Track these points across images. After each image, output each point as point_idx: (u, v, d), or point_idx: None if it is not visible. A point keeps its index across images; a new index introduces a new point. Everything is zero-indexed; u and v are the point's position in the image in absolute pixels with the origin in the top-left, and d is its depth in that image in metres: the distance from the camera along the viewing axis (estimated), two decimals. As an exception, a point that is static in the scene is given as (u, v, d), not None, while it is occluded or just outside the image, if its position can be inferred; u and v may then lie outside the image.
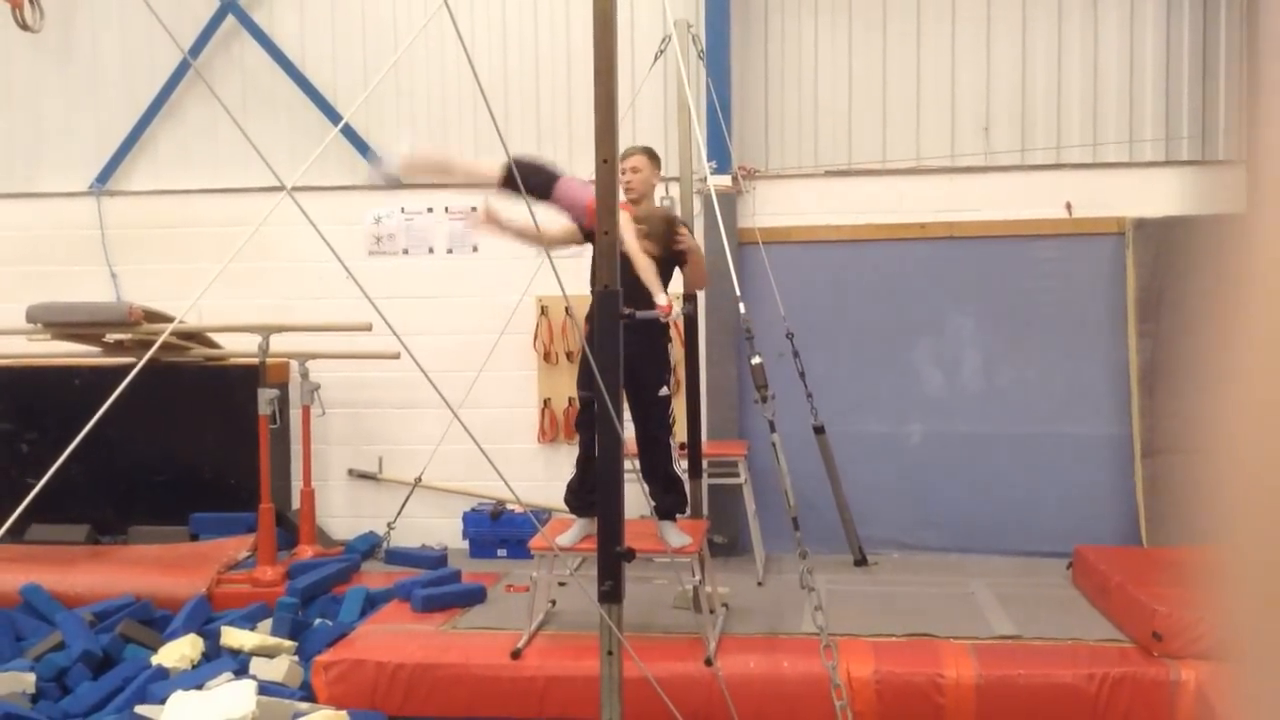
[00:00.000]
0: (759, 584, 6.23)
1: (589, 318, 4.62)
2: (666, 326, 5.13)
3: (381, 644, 5.21)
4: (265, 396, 6.41)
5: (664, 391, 5.28)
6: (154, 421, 6.87)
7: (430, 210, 7.61)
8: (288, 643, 5.41)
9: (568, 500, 5.39)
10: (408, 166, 5.14)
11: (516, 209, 4.99)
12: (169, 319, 6.44)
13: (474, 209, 5.04)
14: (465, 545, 7.11)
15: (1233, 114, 6.89)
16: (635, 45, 7.06)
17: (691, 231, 5.25)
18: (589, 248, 4.78)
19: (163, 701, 4.61)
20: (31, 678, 5.07)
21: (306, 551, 6.71)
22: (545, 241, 4.86)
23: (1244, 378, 0.52)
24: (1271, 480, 0.50)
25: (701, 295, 6.31)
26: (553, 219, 5.03)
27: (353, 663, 5.04)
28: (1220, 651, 0.53)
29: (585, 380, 5.02)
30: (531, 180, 4.95)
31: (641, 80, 6.77)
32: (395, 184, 5.07)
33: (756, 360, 4.58)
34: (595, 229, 4.66)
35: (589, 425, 5.03)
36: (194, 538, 6.97)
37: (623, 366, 3.52)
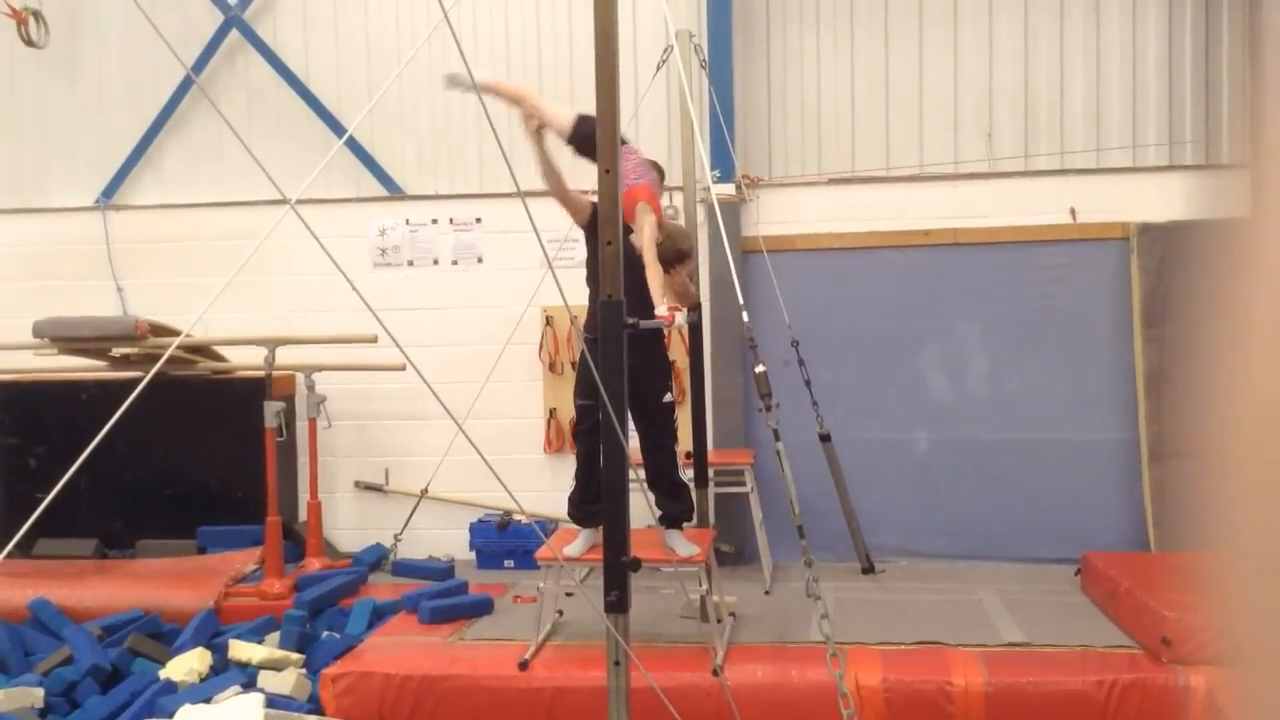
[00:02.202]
0: (766, 593, 6.23)
1: (588, 325, 4.65)
2: (663, 334, 5.14)
3: (389, 656, 5.21)
4: (271, 409, 6.42)
5: (667, 398, 5.28)
6: (161, 435, 6.89)
7: (435, 222, 7.62)
8: (295, 655, 5.41)
9: (571, 514, 5.39)
10: (485, 86, 5.23)
11: (558, 151, 5.12)
12: (175, 333, 6.45)
13: (530, 124, 5.11)
14: (472, 556, 7.12)
15: (1236, 117, 6.88)
16: (638, 55, 7.08)
17: (694, 242, 5.30)
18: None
19: (171, 715, 4.60)
20: (40, 692, 5.08)
21: (314, 564, 6.71)
22: (557, 193, 5.07)
23: (1249, 382, 0.52)
24: (1276, 485, 0.50)
25: (706, 304, 6.32)
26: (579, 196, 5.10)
27: (361, 675, 5.04)
28: (1227, 656, 0.53)
29: (585, 389, 5.03)
30: (594, 139, 5.03)
31: (644, 90, 6.79)
32: (468, 89, 5.23)
33: (760, 369, 4.58)
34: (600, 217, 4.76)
35: (589, 434, 5.03)
36: (201, 551, 6.98)
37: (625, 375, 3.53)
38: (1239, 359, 0.52)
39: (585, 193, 5.04)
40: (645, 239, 4.90)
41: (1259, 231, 0.52)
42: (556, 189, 5.13)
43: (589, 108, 4.16)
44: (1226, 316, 0.53)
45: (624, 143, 5.28)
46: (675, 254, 5.14)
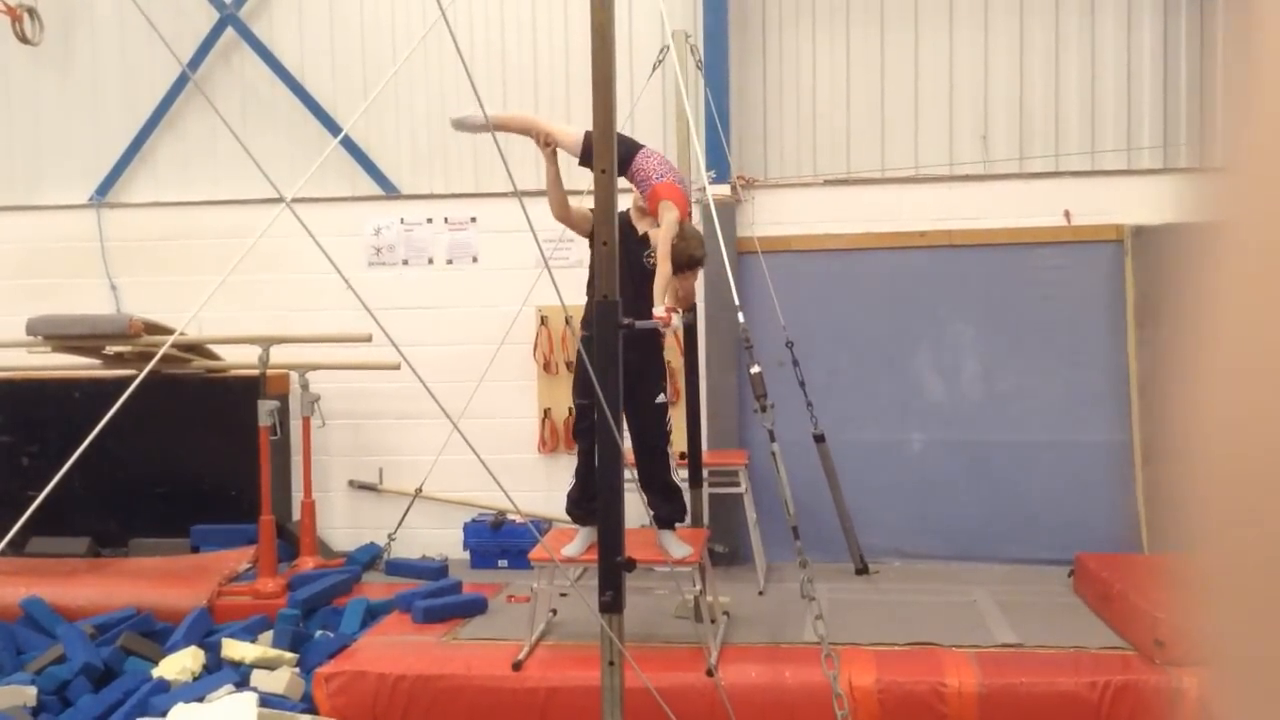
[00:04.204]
0: (760, 593, 6.23)
1: (585, 324, 4.65)
2: (661, 334, 5.15)
3: (383, 655, 5.20)
4: (265, 408, 6.41)
5: (660, 399, 5.28)
6: (154, 434, 6.87)
7: (429, 221, 7.62)
8: (289, 655, 5.40)
9: (570, 511, 5.39)
10: (496, 122, 5.24)
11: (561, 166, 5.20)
12: (169, 331, 6.44)
13: (545, 144, 5.20)
14: (466, 556, 7.11)
15: (1227, 119, 6.89)
16: (634, 56, 7.08)
17: (702, 243, 5.28)
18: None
19: (164, 714, 4.60)
20: (33, 691, 5.07)
21: (307, 563, 6.70)
22: (560, 214, 5.16)
23: (1217, 383, 0.52)
24: (1246, 488, 0.50)
25: (701, 305, 6.32)
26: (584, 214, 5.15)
27: (354, 674, 5.03)
28: (1207, 658, 0.53)
29: (583, 388, 5.03)
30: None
31: (640, 91, 6.79)
32: (478, 129, 5.27)
33: (755, 369, 4.58)
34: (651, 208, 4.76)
35: (587, 433, 5.03)
36: (195, 550, 6.97)
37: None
38: (1208, 360, 0.52)
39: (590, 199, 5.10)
40: (663, 235, 4.92)
41: (1234, 232, 0.52)
42: (560, 211, 5.19)
43: (582, 113, 4.17)
44: (1198, 317, 0.53)
45: (642, 147, 5.30)
46: (687, 259, 5.11)
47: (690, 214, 5.26)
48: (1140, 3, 7.11)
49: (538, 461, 7.46)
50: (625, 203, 5.04)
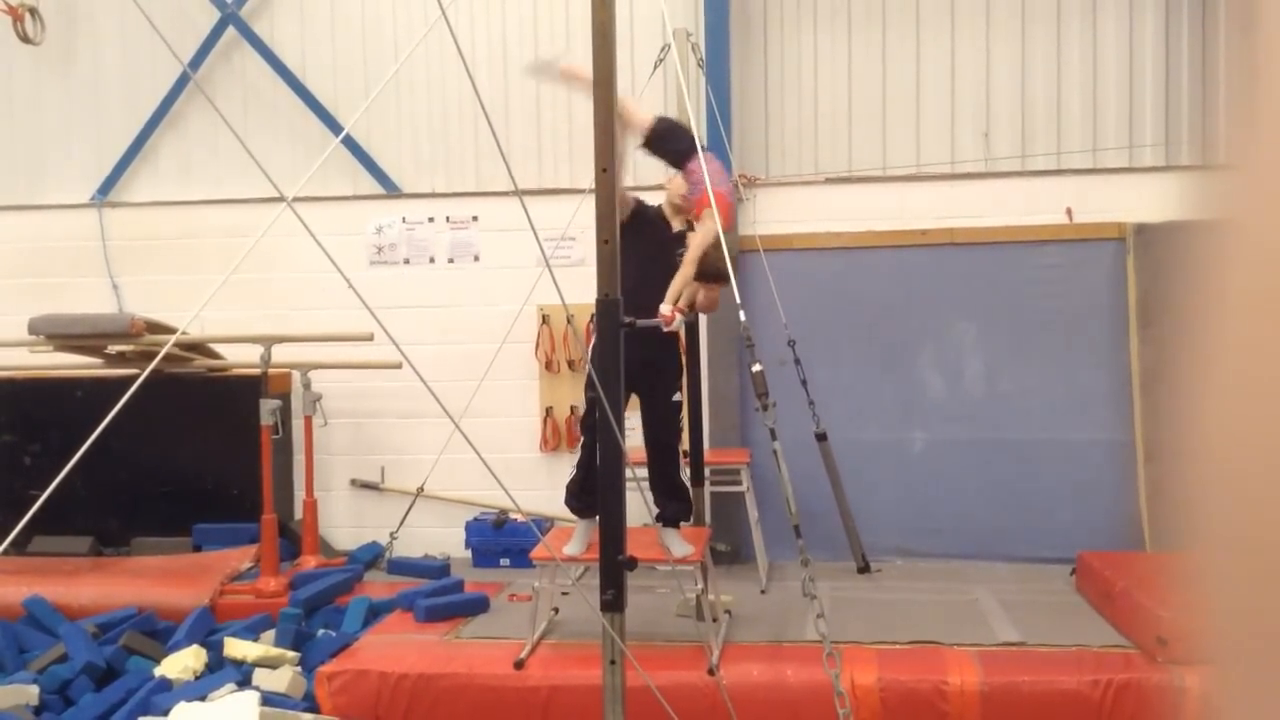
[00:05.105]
0: (762, 592, 6.23)
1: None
2: (679, 333, 5.15)
3: (385, 654, 5.21)
4: (267, 407, 6.41)
5: (676, 398, 5.29)
6: (156, 433, 6.88)
7: (431, 220, 7.62)
8: (291, 653, 5.40)
9: (568, 502, 5.38)
10: (568, 72, 5.16)
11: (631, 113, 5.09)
12: (171, 330, 6.44)
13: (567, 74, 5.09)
14: (468, 555, 7.12)
15: (1228, 117, 6.88)
16: (635, 54, 7.07)
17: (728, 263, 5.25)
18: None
19: (166, 713, 4.60)
20: (35, 690, 5.07)
21: (309, 562, 6.70)
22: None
23: (1222, 383, 0.52)
24: (1249, 487, 0.50)
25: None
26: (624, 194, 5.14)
27: (356, 673, 5.03)
28: (1208, 656, 0.54)
29: (593, 381, 5.04)
30: (671, 144, 5.11)
31: (641, 89, 6.78)
32: (550, 72, 5.19)
33: (757, 368, 4.58)
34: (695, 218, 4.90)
35: (595, 427, 5.02)
36: (197, 549, 6.97)
37: (638, 370, 3.54)
38: (1213, 359, 0.52)
39: (631, 189, 5.10)
40: (698, 239, 4.89)
41: (1238, 230, 0.52)
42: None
43: (584, 111, 4.16)
44: (1202, 315, 0.53)
45: (705, 149, 5.26)
46: (713, 270, 5.00)
47: (732, 228, 5.23)
48: (1142, 0, 7.10)
49: (539, 460, 7.46)
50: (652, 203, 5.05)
